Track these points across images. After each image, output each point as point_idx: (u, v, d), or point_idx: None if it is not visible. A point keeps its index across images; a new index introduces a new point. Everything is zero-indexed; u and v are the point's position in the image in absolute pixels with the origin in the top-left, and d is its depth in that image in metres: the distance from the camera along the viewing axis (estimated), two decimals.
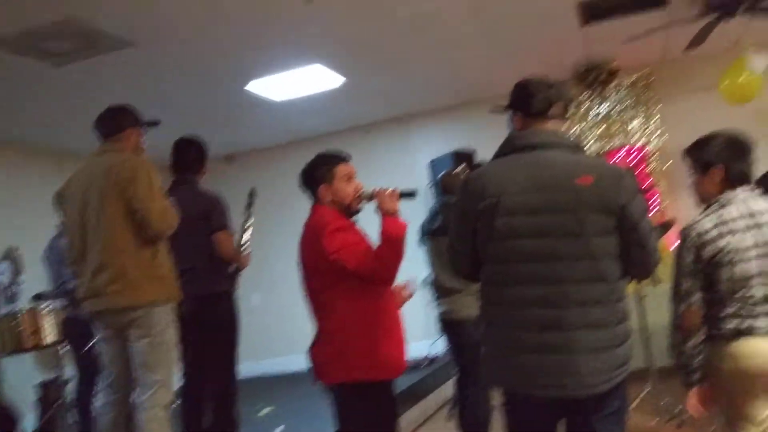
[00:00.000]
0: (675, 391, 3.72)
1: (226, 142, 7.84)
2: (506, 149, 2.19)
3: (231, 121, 7.10)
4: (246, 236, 4.10)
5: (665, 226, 4.72)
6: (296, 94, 6.43)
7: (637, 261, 2.11)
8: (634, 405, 4.41)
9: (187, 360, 3.81)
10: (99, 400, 3.34)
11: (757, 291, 2.30)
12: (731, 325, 2.33)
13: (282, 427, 4.91)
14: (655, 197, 6.72)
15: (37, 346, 5.04)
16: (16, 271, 5.28)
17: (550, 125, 2.18)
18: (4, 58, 4.59)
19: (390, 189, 2.77)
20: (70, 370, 5.05)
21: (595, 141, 7.15)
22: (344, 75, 6.11)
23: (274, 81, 5.98)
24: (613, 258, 2.06)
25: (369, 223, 2.86)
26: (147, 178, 3.20)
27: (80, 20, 4.20)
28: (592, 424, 2.07)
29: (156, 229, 3.18)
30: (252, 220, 4.18)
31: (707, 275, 2.36)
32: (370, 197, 2.81)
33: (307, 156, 2.94)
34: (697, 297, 2.39)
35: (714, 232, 2.34)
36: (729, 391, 2.37)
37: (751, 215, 2.34)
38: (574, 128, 7.10)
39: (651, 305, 4.71)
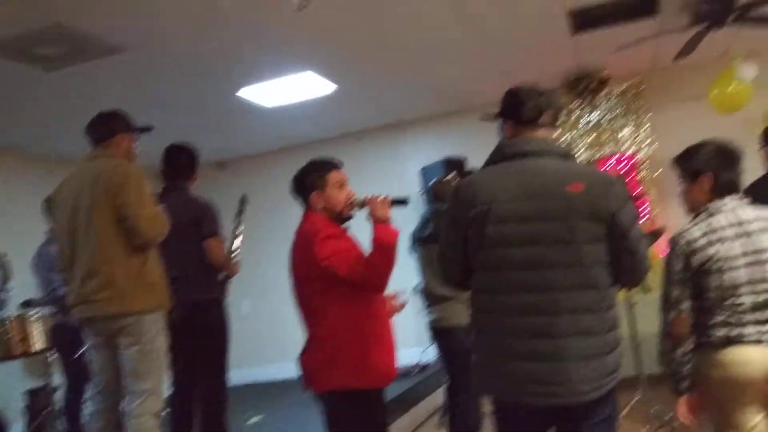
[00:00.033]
0: (665, 398, 3.72)
1: (217, 148, 7.83)
2: (497, 157, 2.20)
3: (222, 127, 7.09)
4: (236, 243, 4.10)
5: (655, 234, 4.73)
6: (288, 101, 6.43)
7: (627, 268, 2.12)
8: (624, 413, 4.42)
9: (177, 367, 3.79)
10: (88, 408, 3.32)
11: (746, 299, 2.31)
12: (720, 333, 2.34)
13: None
14: (645, 205, 6.74)
15: (26, 354, 5.00)
16: (5, 278, 5.23)
17: (541, 133, 2.19)
18: None
19: (382, 196, 2.78)
20: (58, 378, 5.01)
21: (586, 149, 7.18)
22: (335, 82, 6.12)
23: (266, 88, 5.98)
24: (603, 265, 2.07)
25: (360, 230, 2.86)
26: (137, 184, 3.19)
27: (71, 25, 4.19)
28: (582, 431, 2.07)
29: (146, 236, 3.17)
30: (242, 227, 4.17)
31: (696, 283, 2.37)
32: (362, 204, 2.81)
33: (298, 162, 2.93)
34: (686, 305, 2.40)
35: (703, 241, 2.35)
36: (718, 399, 2.38)
37: (740, 224, 2.36)
38: (565, 136, 7.13)
39: (641, 313, 4.72)
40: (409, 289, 4.10)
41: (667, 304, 2.43)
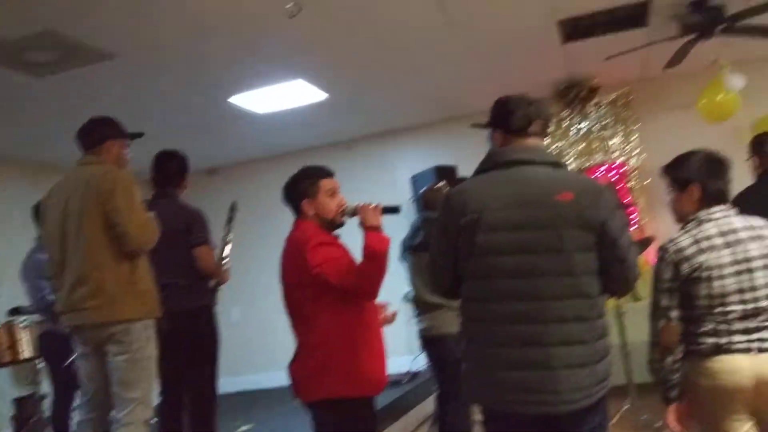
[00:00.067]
0: (654, 407, 3.73)
1: (208, 155, 7.82)
2: (487, 165, 2.21)
3: (213, 134, 7.08)
4: (226, 250, 4.08)
5: (644, 243, 4.75)
6: (279, 108, 6.43)
7: (616, 277, 2.13)
8: (613, 421, 4.43)
9: (166, 375, 3.77)
10: (77, 417, 3.29)
11: (735, 308, 2.32)
12: (709, 341, 2.35)
13: None
14: (634, 214, 6.78)
15: (14, 361, 4.98)
16: None
17: (531, 142, 2.20)
18: None
19: (373, 204, 2.78)
20: (46, 386, 4.97)
21: (576, 158, 7.22)
22: (326, 91, 6.13)
23: (257, 95, 5.98)
24: (593, 274, 2.08)
25: (351, 238, 2.86)
26: (127, 191, 3.17)
27: (62, 32, 4.18)
28: None
29: (135, 243, 3.15)
30: (232, 235, 4.16)
31: (685, 292, 2.38)
32: (354, 212, 2.81)
33: (289, 170, 2.93)
34: (675, 314, 2.41)
35: (692, 249, 2.37)
36: (707, 408, 2.38)
37: (729, 233, 2.37)
38: (555, 145, 7.17)
39: (631, 321, 4.74)
40: (400, 297, 4.11)
41: (657, 312, 2.44)
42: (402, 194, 7.08)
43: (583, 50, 5.90)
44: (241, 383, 7.66)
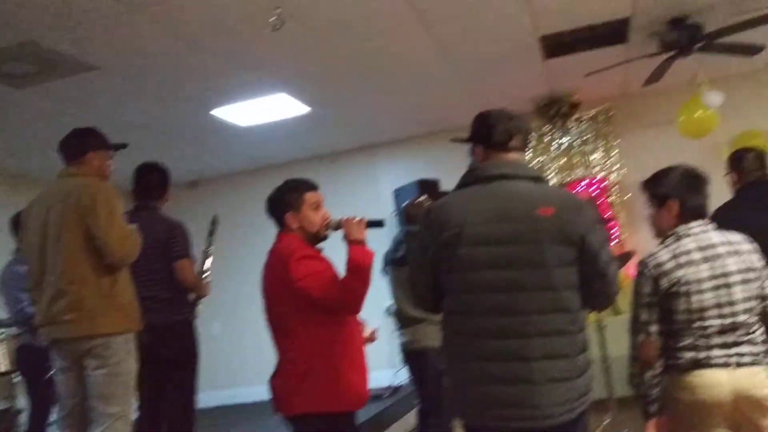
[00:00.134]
0: (635, 421, 3.74)
1: (190, 167, 7.79)
2: (468, 180, 2.21)
3: (195, 147, 7.05)
4: (207, 264, 4.06)
5: (624, 257, 4.78)
6: (262, 121, 6.42)
7: (597, 291, 2.14)
8: None
9: (145, 390, 3.72)
10: None
11: (713, 322, 2.35)
12: (688, 356, 2.37)
13: None
14: (614, 229, 6.82)
15: None
16: None
17: (511, 156, 2.21)
18: None
19: (358, 218, 2.78)
20: (23, 400, 4.90)
21: (557, 172, 7.27)
22: (309, 104, 6.13)
23: (240, 108, 5.97)
24: (574, 288, 2.08)
25: (334, 252, 2.85)
26: (108, 203, 3.14)
27: (42, 43, 4.15)
28: None
29: (116, 256, 3.12)
30: (213, 248, 4.13)
31: (664, 306, 2.40)
32: (338, 226, 2.81)
33: (271, 183, 2.93)
34: (654, 328, 2.42)
35: (671, 264, 2.39)
36: (687, 422, 2.40)
37: (707, 248, 2.39)
38: (537, 160, 7.22)
39: (611, 335, 4.75)
40: (382, 311, 4.11)
41: (636, 326, 2.46)
42: (385, 208, 7.10)
43: (565, 66, 5.96)
44: (222, 397, 7.60)
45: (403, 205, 4.54)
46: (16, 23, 3.87)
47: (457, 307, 2.15)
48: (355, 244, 2.71)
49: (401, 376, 6.08)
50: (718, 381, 2.32)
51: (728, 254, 2.39)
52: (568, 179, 7.16)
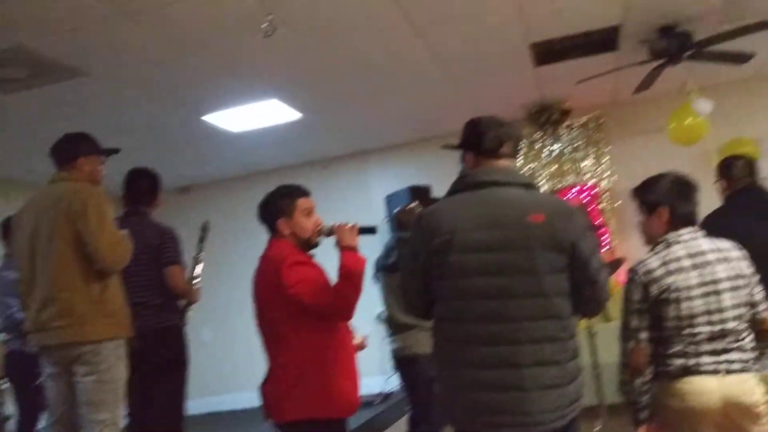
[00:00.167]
0: (626, 428, 3.75)
1: (181, 173, 7.77)
2: (459, 186, 2.22)
3: (186, 152, 7.04)
4: (197, 270, 4.05)
5: (615, 264, 4.80)
6: (253, 127, 6.41)
7: (588, 298, 2.14)
8: None
9: (134, 396, 3.70)
10: None
11: (703, 329, 2.36)
12: (678, 362, 2.37)
13: None
14: (605, 235, 6.85)
15: None
16: None
17: (502, 163, 2.21)
18: None
19: (350, 224, 2.78)
20: (11, 407, 4.86)
21: (548, 179, 7.29)
22: (300, 111, 6.13)
23: (231, 114, 5.96)
24: (565, 295, 2.09)
25: (325, 258, 2.85)
26: (98, 209, 3.12)
27: (33, 48, 4.14)
28: None
29: (106, 262, 3.10)
30: (204, 254, 4.12)
31: (654, 313, 2.41)
32: (330, 232, 2.80)
33: (262, 189, 2.92)
34: (644, 335, 2.43)
35: (661, 271, 2.40)
36: (676, 429, 2.40)
37: (696, 255, 2.41)
38: (528, 166, 7.24)
39: (602, 342, 4.76)
40: (373, 317, 4.10)
41: (626, 333, 2.47)
42: (377, 214, 7.10)
43: (556, 73, 5.99)
44: (212, 404, 7.56)
45: (395, 211, 4.53)
46: (5, 28, 3.86)
47: (448, 313, 2.15)
48: (347, 250, 2.71)
49: (392, 382, 6.08)
50: (708, 388, 2.33)
51: (718, 261, 2.40)
52: (559, 186, 7.19)
